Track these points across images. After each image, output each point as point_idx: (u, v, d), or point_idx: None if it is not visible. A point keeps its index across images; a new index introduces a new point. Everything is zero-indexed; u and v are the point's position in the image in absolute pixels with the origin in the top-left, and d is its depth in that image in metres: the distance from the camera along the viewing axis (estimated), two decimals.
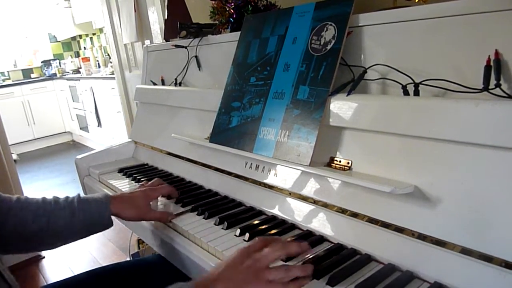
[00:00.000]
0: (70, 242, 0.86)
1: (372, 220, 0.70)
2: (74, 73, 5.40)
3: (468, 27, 0.64)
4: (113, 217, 0.89)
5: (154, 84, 1.46)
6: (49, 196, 0.87)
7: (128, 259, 1.91)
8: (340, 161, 0.78)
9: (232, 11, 1.21)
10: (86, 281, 0.96)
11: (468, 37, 0.64)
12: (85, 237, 0.87)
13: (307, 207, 0.81)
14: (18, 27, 5.62)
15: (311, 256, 0.69)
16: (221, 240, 0.79)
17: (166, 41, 1.55)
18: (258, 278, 0.59)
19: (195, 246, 0.81)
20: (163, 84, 1.43)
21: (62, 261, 2.32)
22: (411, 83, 0.69)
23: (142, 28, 2.47)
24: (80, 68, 5.20)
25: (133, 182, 1.22)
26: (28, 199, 0.84)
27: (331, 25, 0.82)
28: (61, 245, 0.86)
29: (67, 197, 0.87)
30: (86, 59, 5.04)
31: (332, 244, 0.74)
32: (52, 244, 0.85)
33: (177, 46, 1.33)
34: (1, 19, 5.48)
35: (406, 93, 0.70)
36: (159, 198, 1.04)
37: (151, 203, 0.94)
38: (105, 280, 0.95)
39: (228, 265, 0.62)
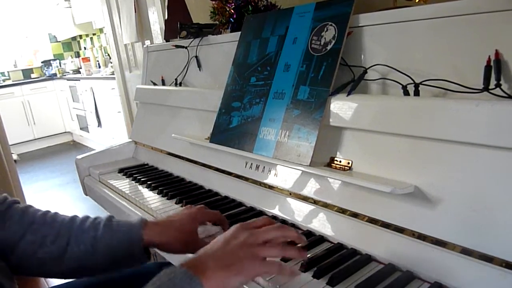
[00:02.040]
0: (93, 274, 0.73)
1: (372, 220, 0.70)
2: (74, 73, 5.40)
3: (468, 27, 0.64)
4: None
5: (154, 84, 1.46)
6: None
7: None
8: (340, 161, 0.78)
9: (233, 11, 1.21)
10: (89, 286, 0.95)
11: (468, 37, 0.64)
12: (110, 269, 0.73)
13: (307, 207, 0.81)
14: (18, 27, 5.62)
15: (311, 255, 0.69)
16: None
17: (166, 41, 1.55)
18: (252, 255, 0.56)
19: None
20: (163, 84, 1.43)
21: None
22: (411, 83, 0.69)
23: (142, 28, 2.47)
24: (80, 68, 5.20)
25: (133, 182, 1.22)
26: (54, 216, 0.73)
27: (331, 25, 0.82)
28: (80, 277, 0.74)
29: (95, 218, 0.74)
30: (86, 59, 5.04)
31: (332, 244, 0.74)
32: (68, 274, 0.72)
33: (177, 46, 1.33)
34: (1, 19, 5.48)
35: (406, 93, 0.70)
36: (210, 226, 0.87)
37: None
38: (107, 287, 0.95)
39: (222, 241, 0.58)
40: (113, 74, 3.37)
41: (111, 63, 3.76)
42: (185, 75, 1.32)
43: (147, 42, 2.42)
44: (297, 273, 0.63)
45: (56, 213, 0.74)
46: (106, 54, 4.83)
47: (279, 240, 0.60)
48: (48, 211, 0.74)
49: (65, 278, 0.75)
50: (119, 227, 0.72)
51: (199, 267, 0.53)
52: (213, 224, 0.82)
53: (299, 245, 0.66)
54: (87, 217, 0.74)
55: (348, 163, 0.77)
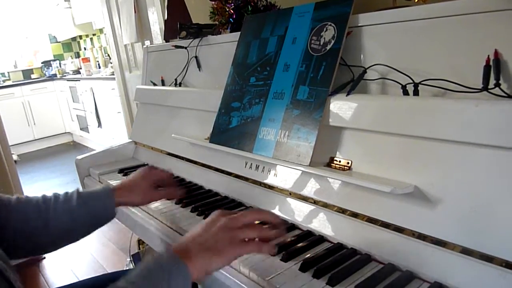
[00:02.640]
0: (74, 239, 0.84)
1: (372, 220, 0.70)
2: (74, 74, 5.40)
3: (467, 27, 0.64)
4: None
5: (154, 84, 1.46)
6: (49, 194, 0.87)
7: (128, 259, 1.91)
8: (340, 161, 0.78)
9: (232, 11, 1.21)
10: (89, 286, 0.95)
11: (468, 37, 0.64)
12: (88, 233, 0.85)
13: (307, 207, 0.81)
14: (18, 27, 5.62)
15: (311, 255, 0.69)
16: None
17: (166, 42, 1.55)
18: (231, 239, 0.60)
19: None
20: (163, 84, 1.43)
21: (62, 261, 2.32)
22: (410, 83, 0.69)
23: (142, 29, 2.47)
24: (80, 68, 5.20)
25: None
26: (29, 197, 0.83)
27: (330, 25, 0.82)
28: (66, 243, 0.84)
29: (66, 193, 0.85)
30: (86, 60, 5.04)
31: (332, 244, 0.74)
32: (57, 243, 0.83)
33: (177, 47, 1.33)
34: (1, 19, 5.48)
35: (405, 93, 0.70)
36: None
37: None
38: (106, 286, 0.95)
39: (203, 227, 0.63)
40: (113, 74, 3.37)
41: (111, 63, 3.76)
42: (185, 75, 1.32)
43: (147, 43, 2.42)
44: (273, 250, 0.64)
45: (26, 196, 0.84)
46: (106, 55, 4.83)
47: (256, 220, 0.65)
48: (18, 196, 0.82)
49: (55, 249, 0.84)
50: (93, 196, 0.84)
51: (183, 251, 0.59)
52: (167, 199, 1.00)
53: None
54: (58, 193, 0.85)
55: (348, 163, 0.77)
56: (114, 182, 1.24)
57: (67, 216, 0.81)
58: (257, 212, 0.67)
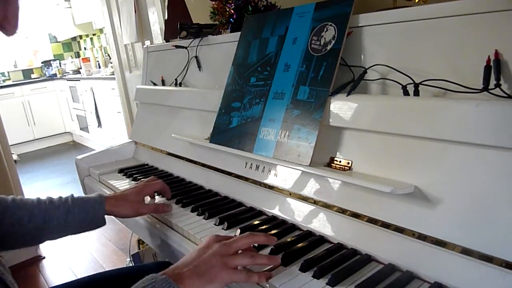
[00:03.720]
0: (63, 237, 0.88)
1: (372, 220, 0.70)
2: (74, 74, 5.40)
3: (468, 27, 0.64)
4: (112, 218, 0.90)
5: (154, 84, 1.46)
6: (45, 196, 0.88)
7: (128, 259, 1.91)
8: (340, 161, 0.78)
9: (232, 11, 1.21)
10: (87, 285, 0.96)
11: (468, 37, 0.64)
12: (78, 233, 0.90)
13: (307, 207, 0.81)
14: (18, 27, 5.62)
15: (311, 255, 0.69)
16: None
17: (166, 42, 1.55)
18: (224, 265, 0.62)
19: (196, 247, 0.81)
20: (163, 84, 1.43)
21: (62, 261, 2.31)
22: (411, 83, 0.69)
23: (142, 29, 2.47)
24: (80, 68, 5.20)
25: (133, 182, 1.22)
26: (24, 200, 0.85)
27: (331, 25, 0.82)
28: (55, 239, 0.88)
29: (60, 197, 0.88)
30: (86, 60, 5.04)
31: (332, 244, 0.74)
32: (45, 240, 0.87)
33: (177, 47, 1.33)
34: None
35: (406, 93, 0.70)
36: (156, 198, 1.05)
37: (148, 199, 0.97)
38: (106, 285, 0.95)
39: (196, 253, 0.65)
40: (113, 74, 3.37)
41: (111, 63, 3.76)
42: (185, 75, 1.32)
43: (147, 42, 2.42)
44: (259, 278, 0.64)
45: (21, 198, 0.86)
46: (106, 55, 4.83)
47: (250, 244, 0.68)
48: (13, 197, 0.85)
49: (35, 244, 0.90)
50: (85, 203, 0.88)
51: (177, 275, 0.60)
52: (157, 194, 1.06)
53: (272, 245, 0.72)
54: (52, 198, 0.88)
55: (348, 163, 0.77)
56: (113, 182, 1.24)
57: (60, 220, 0.85)
58: (250, 236, 0.68)
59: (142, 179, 1.20)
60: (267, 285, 0.64)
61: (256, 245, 0.74)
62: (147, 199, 1.01)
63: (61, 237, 0.88)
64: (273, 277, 0.64)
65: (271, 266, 0.68)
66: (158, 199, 1.05)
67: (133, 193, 0.94)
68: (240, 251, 0.66)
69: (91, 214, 0.87)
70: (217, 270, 0.62)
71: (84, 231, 0.90)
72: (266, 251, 0.73)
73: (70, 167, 4.17)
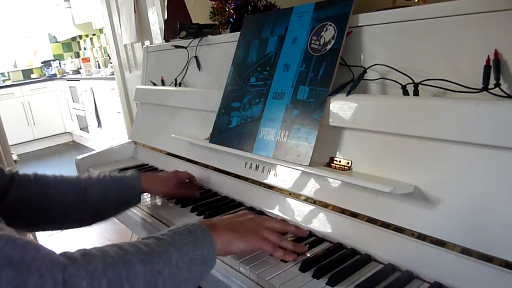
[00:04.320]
0: (105, 218, 0.90)
1: (372, 220, 0.70)
2: (74, 74, 5.40)
3: (467, 26, 0.64)
4: (112, 218, 0.90)
5: (154, 84, 1.46)
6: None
7: None
8: (340, 161, 0.78)
9: (232, 11, 1.21)
10: None
11: (468, 36, 0.64)
12: (115, 214, 0.92)
13: (307, 207, 0.81)
14: (18, 27, 5.62)
15: (310, 255, 0.69)
16: None
17: (166, 42, 1.55)
18: (256, 230, 0.68)
19: None
20: (163, 84, 1.43)
21: None
22: (410, 83, 0.69)
23: (142, 29, 2.47)
24: (80, 68, 5.19)
25: None
26: (64, 176, 0.88)
27: (330, 25, 0.82)
28: (97, 221, 0.89)
29: (99, 174, 0.91)
30: (86, 60, 5.03)
31: (332, 244, 0.74)
32: (89, 219, 0.88)
33: (177, 47, 1.33)
34: (1, 19, 5.48)
35: (405, 93, 0.70)
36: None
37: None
38: None
39: (232, 216, 0.71)
40: (113, 74, 3.37)
41: (111, 63, 3.76)
42: (184, 75, 1.32)
43: (147, 43, 2.42)
44: (289, 258, 0.68)
45: (61, 175, 0.89)
46: (106, 55, 4.83)
47: (280, 230, 0.73)
48: (54, 174, 0.88)
49: (82, 226, 0.89)
50: (122, 178, 0.91)
51: (212, 225, 0.64)
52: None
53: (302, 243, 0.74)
54: (90, 175, 0.91)
55: (348, 163, 0.77)
56: None
57: (100, 194, 0.87)
58: (283, 223, 0.74)
59: None
60: (267, 285, 0.64)
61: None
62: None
63: (102, 217, 0.89)
64: (273, 275, 0.64)
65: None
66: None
67: (168, 175, 1.01)
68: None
69: (128, 189, 0.90)
70: (249, 232, 0.67)
71: (122, 209, 0.92)
72: None
73: (70, 167, 4.15)
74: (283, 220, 0.73)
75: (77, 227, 0.88)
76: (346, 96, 0.76)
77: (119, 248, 0.52)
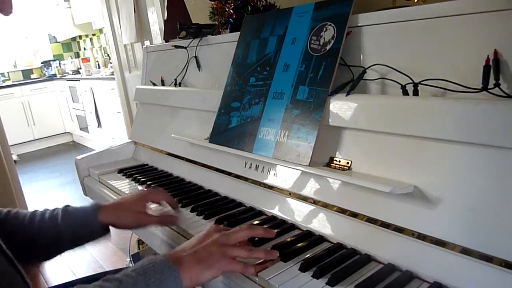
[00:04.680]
0: (58, 253, 0.83)
1: (371, 220, 0.70)
2: (74, 74, 5.40)
3: (467, 26, 0.64)
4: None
5: (154, 84, 1.46)
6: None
7: (128, 259, 1.91)
8: (339, 161, 0.78)
9: (232, 11, 1.21)
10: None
11: (467, 36, 0.64)
12: (72, 248, 0.83)
13: (307, 207, 0.81)
14: (18, 27, 5.62)
15: (310, 255, 0.69)
16: None
17: (166, 42, 1.55)
18: (222, 253, 0.64)
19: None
20: (162, 84, 1.43)
21: (62, 261, 2.32)
22: (410, 83, 0.69)
23: (142, 29, 2.47)
24: (80, 68, 5.20)
25: (133, 182, 1.22)
26: (17, 213, 0.82)
27: (330, 25, 0.82)
28: (48, 257, 0.83)
29: (54, 209, 0.83)
30: (86, 60, 5.04)
31: (332, 244, 0.74)
32: (39, 257, 0.83)
33: (177, 47, 1.33)
34: (1, 19, 5.47)
35: (405, 93, 0.70)
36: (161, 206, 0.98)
37: (153, 207, 0.92)
38: None
39: (197, 239, 0.68)
40: (112, 74, 3.37)
41: (110, 63, 3.76)
42: (184, 75, 1.32)
43: (147, 43, 2.42)
44: (255, 270, 0.66)
45: (18, 210, 0.82)
46: (106, 55, 4.83)
47: (248, 236, 0.70)
48: (11, 209, 0.82)
49: (41, 261, 0.84)
50: (75, 214, 0.82)
51: (176, 259, 0.62)
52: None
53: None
54: (46, 210, 0.83)
55: (348, 163, 0.77)
56: (113, 182, 1.24)
57: (51, 232, 0.80)
58: (250, 229, 0.70)
59: (142, 179, 1.20)
60: (267, 285, 0.64)
61: (256, 239, 0.75)
62: (152, 206, 0.94)
63: (58, 253, 0.82)
64: (273, 275, 0.64)
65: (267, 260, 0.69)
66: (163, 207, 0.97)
67: (134, 201, 0.86)
68: (237, 244, 0.68)
69: (83, 227, 0.81)
70: (215, 258, 0.63)
71: (81, 244, 0.83)
72: (266, 248, 0.73)
73: (70, 167, 4.16)
74: (250, 225, 0.70)
75: (37, 261, 0.82)
76: (346, 96, 0.76)
77: None
